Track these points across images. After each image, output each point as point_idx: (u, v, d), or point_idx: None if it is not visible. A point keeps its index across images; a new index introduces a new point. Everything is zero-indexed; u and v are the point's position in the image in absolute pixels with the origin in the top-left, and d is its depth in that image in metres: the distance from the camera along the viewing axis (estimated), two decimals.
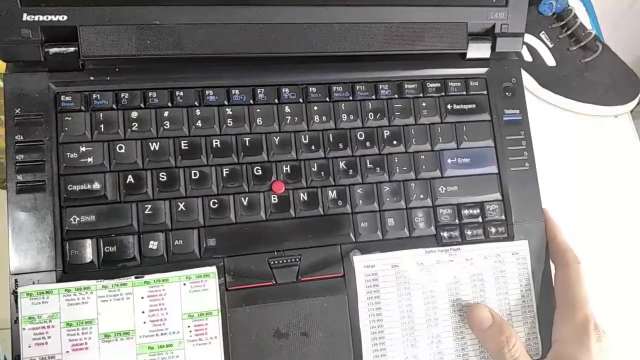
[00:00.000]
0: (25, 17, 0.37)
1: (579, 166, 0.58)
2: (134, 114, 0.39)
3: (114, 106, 0.39)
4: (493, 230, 0.44)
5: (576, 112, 0.59)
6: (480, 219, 0.44)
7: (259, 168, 0.40)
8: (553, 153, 0.56)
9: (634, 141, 0.61)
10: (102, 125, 0.39)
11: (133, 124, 0.39)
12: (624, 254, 0.56)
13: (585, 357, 0.39)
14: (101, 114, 0.39)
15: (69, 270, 0.37)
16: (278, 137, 0.41)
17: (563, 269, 0.42)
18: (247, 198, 0.40)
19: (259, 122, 0.41)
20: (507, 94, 0.46)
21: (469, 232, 0.43)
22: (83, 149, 0.38)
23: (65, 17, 0.38)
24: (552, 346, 0.41)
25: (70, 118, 0.38)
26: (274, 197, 0.40)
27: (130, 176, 0.38)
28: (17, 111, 0.38)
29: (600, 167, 0.58)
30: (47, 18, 0.37)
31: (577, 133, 0.59)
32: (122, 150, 0.39)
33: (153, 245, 0.38)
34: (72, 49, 0.38)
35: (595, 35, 0.59)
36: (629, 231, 0.57)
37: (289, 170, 0.41)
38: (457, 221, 0.43)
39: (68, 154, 0.38)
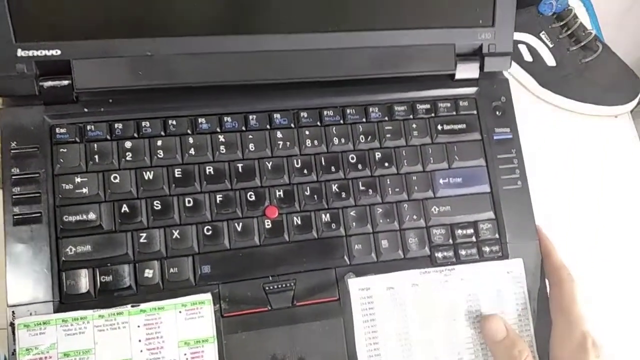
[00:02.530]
0: (19, 52, 0.38)
1: (579, 166, 0.58)
2: (128, 144, 0.40)
3: (108, 137, 0.40)
4: (487, 249, 0.44)
5: (576, 112, 0.59)
6: (474, 239, 0.44)
7: (252, 193, 0.41)
8: (553, 153, 0.57)
9: (634, 141, 0.61)
10: (96, 156, 0.39)
11: (127, 154, 0.40)
12: (623, 254, 0.56)
13: (564, 298, 0.40)
14: (95, 145, 0.39)
15: (66, 300, 0.37)
16: (270, 162, 0.42)
17: (557, 287, 0.42)
18: (240, 224, 0.40)
19: (252, 148, 0.42)
20: (497, 112, 0.47)
21: (463, 252, 0.44)
22: (78, 179, 0.39)
23: (59, 52, 0.39)
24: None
25: (65, 150, 0.39)
26: (267, 222, 0.41)
27: (125, 205, 0.39)
28: (13, 144, 0.39)
29: (600, 167, 0.58)
30: (41, 53, 0.38)
31: (577, 133, 0.59)
32: (117, 180, 0.39)
33: (148, 273, 0.39)
34: (66, 82, 0.39)
35: (595, 35, 0.60)
36: (629, 231, 0.57)
37: (282, 195, 0.41)
38: (451, 241, 0.44)
39: (63, 185, 0.39)
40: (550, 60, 0.59)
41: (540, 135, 0.58)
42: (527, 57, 0.59)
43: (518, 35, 0.58)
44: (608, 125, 0.60)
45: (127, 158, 0.40)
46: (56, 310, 0.37)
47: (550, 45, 0.58)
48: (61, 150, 0.39)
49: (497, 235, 0.44)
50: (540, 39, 0.59)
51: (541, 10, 0.58)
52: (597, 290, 0.52)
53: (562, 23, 0.58)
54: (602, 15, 0.66)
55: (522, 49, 0.59)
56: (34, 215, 0.38)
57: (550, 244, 0.44)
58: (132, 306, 0.38)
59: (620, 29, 0.71)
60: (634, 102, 0.59)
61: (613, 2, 0.71)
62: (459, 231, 0.44)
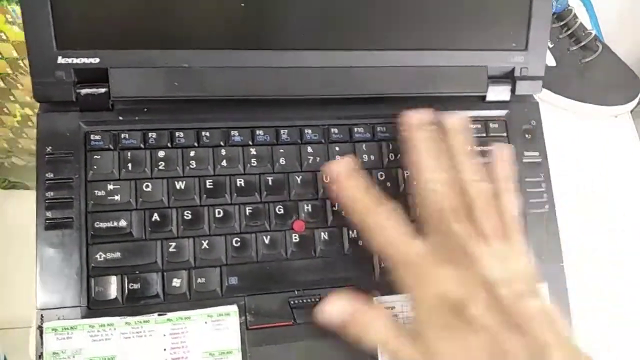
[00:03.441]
0: (60, 59, 0.39)
1: (578, 166, 0.58)
2: (161, 154, 0.40)
3: (142, 145, 0.40)
4: None
5: (576, 112, 0.59)
6: None
7: (281, 207, 0.41)
8: (553, 153, 0.54)
9: (634, 141, 0.60)
10: (129, 164, 0.40)
11: (160, 163, 0.40)
12: (623, 254, 0.55)
13: None
14: (129, 153, 0.40)
15: (94, 306, 0.38)
16: (300, 177, 0.42)
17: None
18: (269, 237, 0.40)
19: (282, 162, 0.42)
20: (526, 136, 0.47)
21: None
22: (110, 187, 0.39)
23: (98, 60, 0.39)
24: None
25: (99, 157, 0.39)
26: (295, 236, 0.41)
27: (155, 214, 0.39)
28: (49, 149, 0.39)
29: (600, 167, 0.58)
30: (80, 61, 0.39)
31: (577, 133, 0.59)
32: (149, 189, 0.40)
33: (176, 282, 0.39)
34: (102, 90, 0.40)
35: (595, 35, 0.59)
36: (629, 231, 0.56)
37: (310, 210, 0.42)
38: None
39: (96, 191, 0.39)
40: (550, 60, 0.58)
41: None
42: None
43: None
44: (608, 125, 0.60)
45: (160, 167, 0.40)
46: (83, 316, 0.37)
47: (550, 45, 0.58)
48: (95, 157, 0.39)
49: None
50: None
51: None
52: (598, 291, 0.52)
53: (562, 23, 0.58)
54: (602, 15, 0.66)
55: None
56: (65, 220, 0.38)
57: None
58: (158, 315, 0.38)
59: (620, 29, 0.70)
60: (634, 102, 0.59)
61: (613, 2, 0.71)
62: None
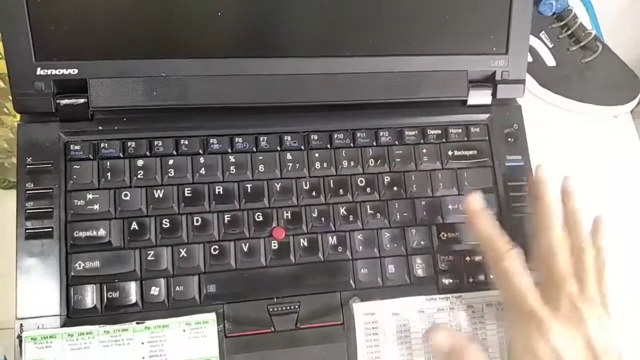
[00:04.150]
0: (39, 71, 0.39)
1: (578, 166, 0.56)
2: (140, 162, 0.41)
3: (121, 155, 0.41)
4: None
5: (576, 112, 0.59)
6: (481, 266, 0.44)
7: (260, 214, 0.41)
8: (553, 153, 0.55)
9: (634, 141, 0.60)
10: (108, 174, 0.40)
11: (139, 172, 0.40)
12: (624, 254, 0.54)
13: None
14: (108, 163, 0.40)
15: (73, 315, 0.38)
16: (279, 184, 0.42)
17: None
18: (247, 244, 0.41)
19: (261, 169, 0.42)
20: (509, 139, 0.46)
21: (471, 279, 0.43)
22: (90, 196, 0.40)
23: (76, 71, 0.40)
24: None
25: (78, 166, 0.40)
26: (274, 243, 0.41)
27: (134, 223, 0.40)
28: (29, 160, 0.39)
29: (601, 168, 0.58)
30: (59, 72, 0.39)
31: (577, 133, 0.59)
32: (128, 198, 0.40)
33: (154, 291, 0.39)
34: (82, 100, 0.40)
35: (595, 35, 0.59)
36: (628, 231, 0.56)
37: (289, 217, 0.42)
38: (458, 267, 0.43)
39: (75, 201, 0.39)
40: (550, 60, 0.58)
41: (540, 136, 0.55)
42: (527, 57, 0.57)
43: None
44: (608, 125, 0.60)
45: (139, 176, 0.40)
46: (63, 325, 0.37)
47: (550, 45, 0.58)
48: (75, 166, 0.40)
49: None
50: (540, 39, 0.58)
51: (541, 10, 0.58)
52: None
53: (562, 23, 0.58)
54: (602, 15, 0.66)
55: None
56: (45, 230, 0.38)
57: (544, 187, 0.42)
58: (137, 323, 0.38)
59: (620, 29, 0.70)
60: (634, 102, 0.59)
61: (613, 2, 0.70)
62: (466, 258, 0.44)
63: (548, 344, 0.36)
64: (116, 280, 0.39)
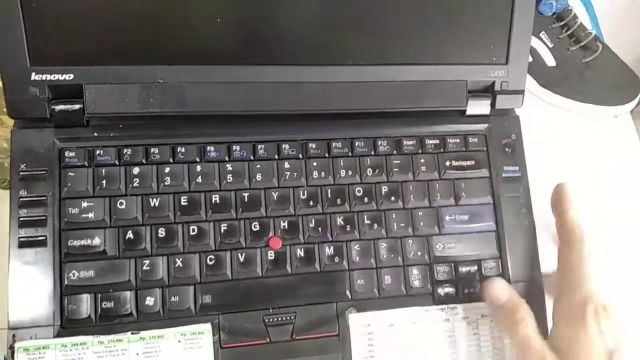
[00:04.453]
0: (33, 76, 0.38)
1: (578, 166, 0.57)
2: (136, 170, 0.40)
3: (117, 162, 0.40)
4: None
5: (576, 112, 0.58)
6: (477, 277, 0.44)
7: (257, 224, 0.41)
8: (553, 153, 0.56)
9: (634, 141, 0.60)
10: (104, 181, 0.39)
11: (134, 180, 0.40)
12: (624, 254, 0.55)
13: (584, 340, 0.37)
14: (103, 170, 0.40)
15: (67, 325, 0.38)
16: (277, 193, 0.42)
17: (566, 246, 0.41)
18: (243, 254, 0.40)
19: (259, 177, 0.42)
20: (507, 150, 0.46)
21: (466, 290, 0.43)
22: (85, 204, 0.39)
23: (72, 76, 0.39)
24: (552, 328, 0.40)
25: (73, 173, 0.39)
26: (270, 253, 0.41)
27: (130, 232, 0.39)
28: (22, 166, 0.39)
29: (600, 168, 0.58)
30: (54, 77, 0.39)
31: (577, 133, 0.58)
32: (123, 206, 0.39)
33: (150, 301, 0.39)
34: (77, 106, 0.39)
35: (595, 35, 0.59)
36: (628, 231, 0.56)
37: (286, 226, 0.41)
38: (454, 278, 0.43)
39: (70, 209, 0.39)
40: (550, 60, 0.58)
41: (540, 136, 0.56)
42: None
43: None
44: (608, 125, 0.60)
45: (134, 184, 0.40)
46: (57, 335, 0.37)
47: (550, 45, 0.58)
48: (69, 174, 0.39)
49: (500, 274, 0.44)
50: (540, 39, 0.58)
51: (541, 10, 0.57)
52: None
53: (562, 23, 0.58)
54: (602, 15, 0.65)
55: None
56: (39, 238, 0.38)
57: (569, 199, 0.42)
58: (132, 333, 0.38)
59: (620, 29, 0.69)
60: (634, 102, 0.59)
61: (613, 2, 0.70)
62: (463, 269, 0.44)
63: None
64: (111, 290, 0.38)
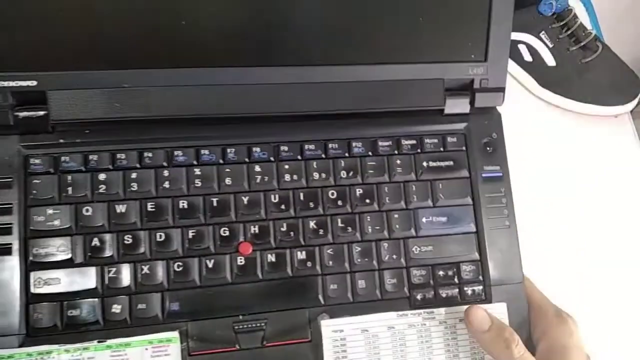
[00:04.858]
0: None
1: (578, 166, 0.57)
2: (102, 176, 0.39)
3: (83, 168, 0.40)
4: (469, 292, 0.43)
5: (576, 112, 0.59)
6: (456, 280, 0.43)
7: (226, 229, 0.40)
8: (553, 153, 0.57)
9: (634, 141, 0.60)
10: (69, 188, 0.39)
11: (100, 186, 0.39)
12: (623, 253, 0.55)
13: (572, 339, 0.40)
14: (69, 177, 0.39)
15: (33, 334, 0.37)
16: (247, 197, 0.41)
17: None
18: (212, 260, 0.40)
19: (228, 181, 0.41)
20: (487, 149, 0.45)
21: (444, 294, 0.42)
22: (50, 211, 0.38)
23: (35, 83, 0.38)
24: (539, 344, 0.41)
25: (38, 181, 0.39)
26: (240, 259, 0.40)
27: (95, 239, 0.39)
28: None
29: (600, 168, 0.58)
30: (16, 84, 0.38)
31: (577, 133, 0.59)
32: (89, 213, 0.39)
33: (116, 308, 0.38)
34: (42, 113, 0.39)
35: (595, 35, 0.59)
36: (628, 231, 0.56)
37: (257, 231, 0.41)
38: (431, 282, 0.42)
39: (35, 217, 0.38)
40: (550, 60, 0.58)
41: (540, 136, 0.57)
42: (527, 57, 0.59)
43: (518, 35, 0.58)
44: (608, 125, 0.59)
45: (101, 190, 0.39)
46: (22, 344, 0.37)
47: (550, 45, 0.58)
48: (35, 181, 0.39)
49: (480, 277, 0.43)
50: (540, 39, 0.58)
51: (541, 10, 0.57)
52: (598, 291, 0.52)
53: (562, 23, 0.58)
54: (602, 15, 0.65)
55: (522, 49, 0.59)
56: (4, 246, 0.38)
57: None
58: (98, 342, 0.37)
59: (620, 29, 0.69)
60: (634, 102, 0.58)
61: (613, 2, 0.70)
62: (441, 272, 0.42)
63: None
64: (77, 298, 0.38)
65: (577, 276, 0.53)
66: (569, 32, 0.58)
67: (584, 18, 0.62)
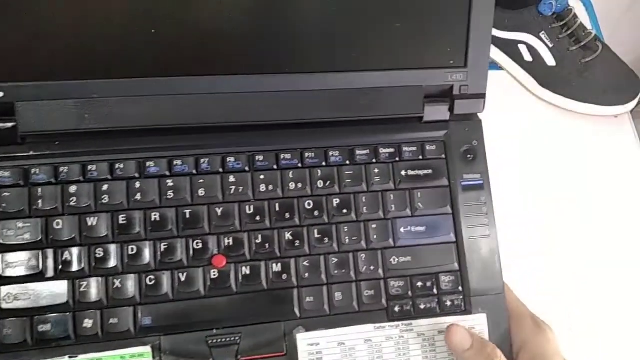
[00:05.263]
0: None
1: (578, 166, 0.58)
2: (73, 188, 0.39)
3: (53, 180, 0.39)
4: (449, 303, 0.42)
5: (576, 112, 0.59)
6: (435, 291, 0.42)
7: (199, 241, 0.39)
8: (553, 153, 0.57)
9: (634, 141, 0.60)
10: (40, 201, 0.38)
11: (71, 199, 0.39)
12: (623, 253, 0.55)
13: (550, 346, 0.40)
14: (39, 189, 0.38)
15: (3, 350, 0.37)
16: (221, 208, 0.40)
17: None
18: (185, 273, 0.39)
19: (201, 193, 0.40)
20: (468, 156, 0.44)
21: (422, 306, 0.41)
22: (20, 225, 0.38)
23: (2, 94, 0.38)
24: (520, 355, 0.40)
25: (8, 194, 0.38)
26: (214, 271, 0.39)
27: (66, 253, 0.38)
28: None
29: (600, 168, 0.58)
30: None
31: (577, 133, 0.59)
32: (60, 227, 0.38)
33: (88, 323, 0.38)
34: (10, 125, 0.38)
35: (595, 35, 0.59)
36: (628, 231, 0.56)
37: (231, 243, 0.40)
38: (409, 293, 0.42)
39: (5, 230, 0.38)
40: (550, 60, 0.58)
41: (540, 136, 0.58)
42: (527, 57, 0.59)
43: (518, 35, 0.59)
44: (608, 125, 0.60)
45: (71, 203, 0.39)
46: None
47: (550, 45, 0.58)
48: (4, 194, 0.38)
49: (459, 288, 0.42)
50: (540, 39, 0.58)
51: (541, 10, 0.57)
52: (598, 291, 0.53)
53: (562, 23, 0.58)
54: (602, 15, 0.66)
55: (522, 49, 0.59)
56: None
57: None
58: (69, 357, 0.37)
59: (620, 29, 0.71)
60: (634, 102, 0.59)
61: (613, 2, 0.72)
62: (419, 283, 0.42)
63: None
64: (48, 313, 0.37)
65: (577, 276, 0.53)
66: (569, 32, 0.58)
67: (584, 18, 0.63)
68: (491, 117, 0.57)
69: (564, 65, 0.57)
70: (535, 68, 0.58)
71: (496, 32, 0.60)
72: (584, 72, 0.57)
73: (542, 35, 0.58)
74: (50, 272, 0.38)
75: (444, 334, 0.40)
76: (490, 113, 0.57)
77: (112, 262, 0.38)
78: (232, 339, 0.39)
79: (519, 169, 0.55)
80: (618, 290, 0.53)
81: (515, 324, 0.42)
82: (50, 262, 0.38)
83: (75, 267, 0.38)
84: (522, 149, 0.57)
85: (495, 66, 0.63)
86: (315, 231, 0.41)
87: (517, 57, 0.59)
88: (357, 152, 0.43)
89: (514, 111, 0.59)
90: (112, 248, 0.38)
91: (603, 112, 0.58)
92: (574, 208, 0.55)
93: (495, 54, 0.61)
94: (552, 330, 0.41)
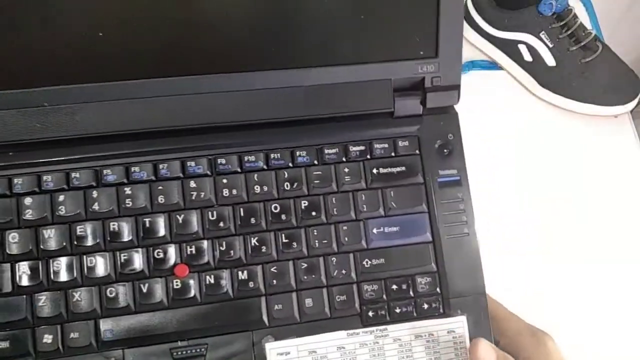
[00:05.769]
0: None
1: (578, 166, 0.57)
2: (28, 201, 0.38)
3: (8, 192, 0.38)
4: (425, 305, 0.40)
5: (576, 112, 0.59)
6: (411, 294, 0.40)
7: (160, 251, 0.38)
8: (552, 153, 0.57)
9: (634, 141, 0.60)
10: None
11: (27, 211, 0.37)
12: (623, 253, 0.54)
13: (553, 357, 0.38)
14: None
15: None
16: (182, 216, 0.39)
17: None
18: (146, 284, 0.38)
19: (161, 200, 0.39)
20: (444, 151, 0.42)
21: (398, 310, 0.40)
22: None
23: None
24: None
25: None
26: (176, 281, 0.38)
27: (23, 267, 0.37)
28: None
29: (600, 168, 0.58)
30: None
31: (577, 133, 0.59)
32: (15, 240, 0.37)
33: (47, 339, 0.37)
34: None
35: (595, 35, 0.59)
36: (628, 231, 0.55)
37: (193, 251, 0.38)
38: (384, 297, 0.40)
39: None
40: (550, 60, 0.58)
41: (540, 136, 0.58)
42: (527, 57, 0.59)
43: (518, 35, 0.58)
44: (608, 125, 0.60)
45: (27, 215, 0.37)
46: None
47: (550, 45, 0.58)
48: None
49: (437, 290, 0.40)
50: (540, 39, 0.58)
51: (541, 10, 0.57)
52: (597, 291, 0.52)
53: (562, 23, 0.58)
54: (602, 15, 0.66)
55: (522, 49, 0.59)
56: None
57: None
58: None
59: (620, 29, 0.71)
60: (634, 102, 0.59)
61: (613, 2, 0.72)
62: (394, 286, 0.40)
63: None
64: (7, 329, 0.36)
65: (576, 276, 0.52)
66: (569, 32, 0.57)
67: (584, 18, 0.63)
68: (491, 117, 0.57)
69: (564, 65, 0.57)
70: (535, 68, 0.58)
71: (496, 32, 0.60)
72: (584, 72, 0.57)
73: (542, 35, 0.57)
74: (7, 288, 0.37)
75: (469, 347, 0.38)
76: (490, 113, 0.57)
77: (71, 275, 0.37)
78: (198, 350, 0.37)
79: (519, 169, 0.54)
80: (617, 290, 0.53)
81: (514, 341, 0.40)
82: (7, 277, 0.37)
83: (32, 282, 0.37)
84: (523, 149, 0.57)
85: (495, 66, 0.62)
86: (283, 235, 0.39)
87: (517, 57, 0.59)
88: (326, 151, 0.41)
89: (514, 111, 0.59)
90: (69, 261, 0.37)
91: (603, 112, 0.58)
92: (574, 208, 0.55)
93: (495, 54, 0.61)
94: (552, 339, 0.39)
